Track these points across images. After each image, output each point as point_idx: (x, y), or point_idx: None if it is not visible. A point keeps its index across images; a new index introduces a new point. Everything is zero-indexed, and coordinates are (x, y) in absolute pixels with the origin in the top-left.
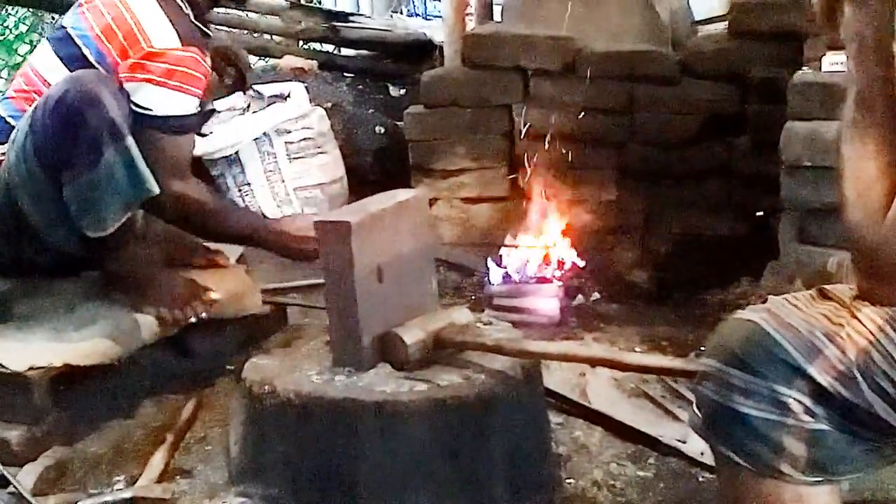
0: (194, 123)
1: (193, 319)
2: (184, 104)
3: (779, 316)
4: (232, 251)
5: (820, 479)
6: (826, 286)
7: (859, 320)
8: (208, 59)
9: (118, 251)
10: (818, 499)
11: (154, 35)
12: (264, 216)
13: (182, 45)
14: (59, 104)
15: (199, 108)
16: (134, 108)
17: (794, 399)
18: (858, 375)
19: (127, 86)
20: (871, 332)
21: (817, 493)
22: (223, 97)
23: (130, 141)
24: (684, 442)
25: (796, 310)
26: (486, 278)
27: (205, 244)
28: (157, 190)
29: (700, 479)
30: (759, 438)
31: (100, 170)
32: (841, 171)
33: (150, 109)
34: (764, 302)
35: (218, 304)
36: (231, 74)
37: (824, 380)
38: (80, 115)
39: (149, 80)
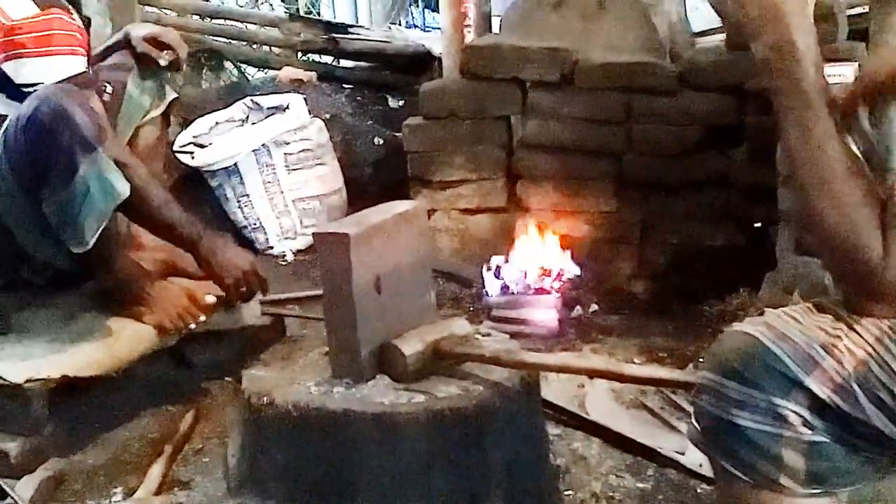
0: (90, 80)
1: (193, 326)
2: (70, 65)
3: (776, 328)
4: None
5: (819, 490)
6: (823, 299)
7: (857, 332)
8: (75, 16)
9: (111, 263)
10: None
11: (8, 8)
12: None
13: (41, 10)
14: (29, 123)
15: (86, 66)
16: (24, 89)
17: (793, 411)
18: (856, 387)
19: (5, 67)
20: (868, 343)
21: None
22: (165, 78)
23: (99, 153)
24: (683, 453)
25: (794, 322)
26: (485, 289)
27: None
28: (127, 192)
29: (699, 490)
30: (758, 451)
31: (75, 186)
32: (817, 213)
33: (42, 82)
34: (761, 314)
35: (215, 308)
36: (165, 57)
37: (822, 392)
38: (51, 132)
39: (22, 55)
